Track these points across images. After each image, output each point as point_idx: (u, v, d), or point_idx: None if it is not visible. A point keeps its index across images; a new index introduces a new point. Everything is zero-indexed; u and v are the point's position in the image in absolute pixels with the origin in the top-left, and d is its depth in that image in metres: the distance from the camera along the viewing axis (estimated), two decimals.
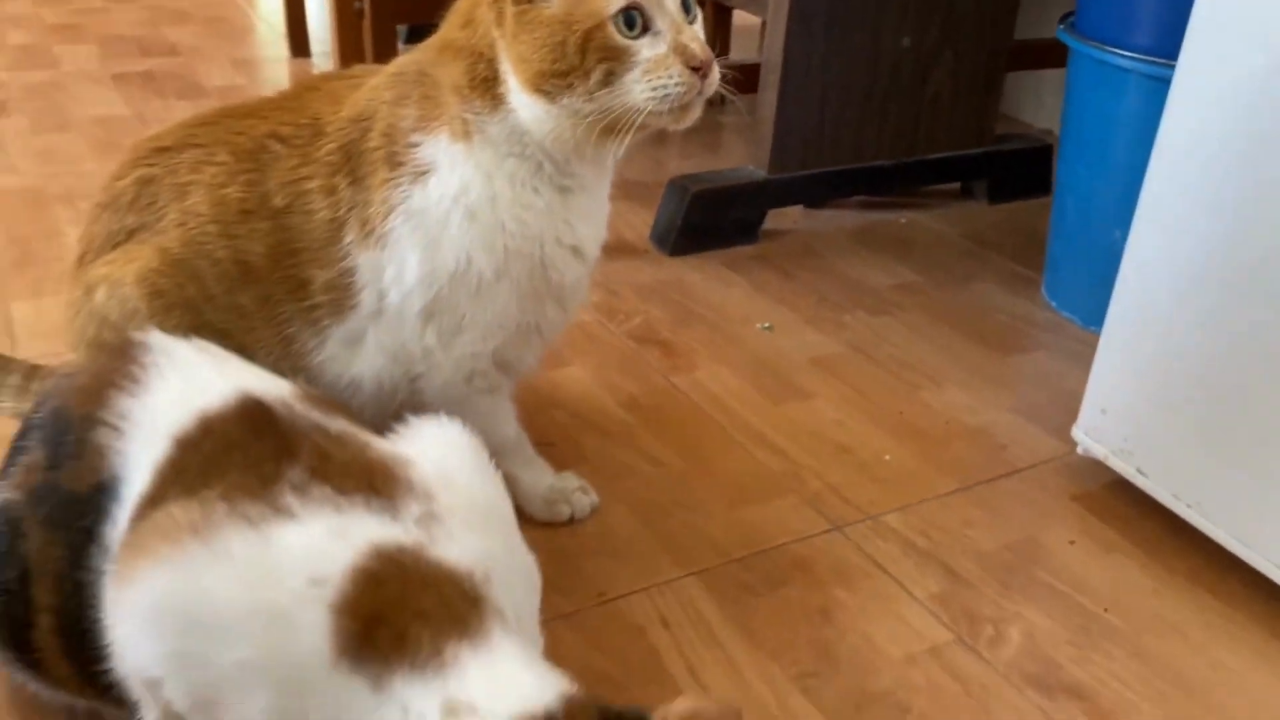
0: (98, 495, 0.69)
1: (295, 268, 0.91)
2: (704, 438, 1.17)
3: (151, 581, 0.62)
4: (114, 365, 0.73)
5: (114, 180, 0.98)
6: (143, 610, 0.62)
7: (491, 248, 0.89)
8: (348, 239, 0.90)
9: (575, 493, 1.03)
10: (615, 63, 0.82)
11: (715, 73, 0.85)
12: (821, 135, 1.64)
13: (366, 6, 1.86)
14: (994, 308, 1.49)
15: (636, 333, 1.38)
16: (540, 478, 1.02)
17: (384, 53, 1.89)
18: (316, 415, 0.71)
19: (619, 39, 0.82)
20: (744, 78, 1.67)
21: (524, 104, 0.85)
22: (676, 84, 0.82)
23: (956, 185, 1.87)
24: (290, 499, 0.64)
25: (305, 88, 0.98)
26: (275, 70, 2.35)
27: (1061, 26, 1.39)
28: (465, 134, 0.88)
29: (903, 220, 1.77)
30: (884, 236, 1.71)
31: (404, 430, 0.73)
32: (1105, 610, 0.95)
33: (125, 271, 0.92)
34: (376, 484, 0.67)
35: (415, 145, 0.89)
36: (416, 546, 0.63)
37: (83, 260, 0.98)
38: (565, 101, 0.83)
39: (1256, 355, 0.91)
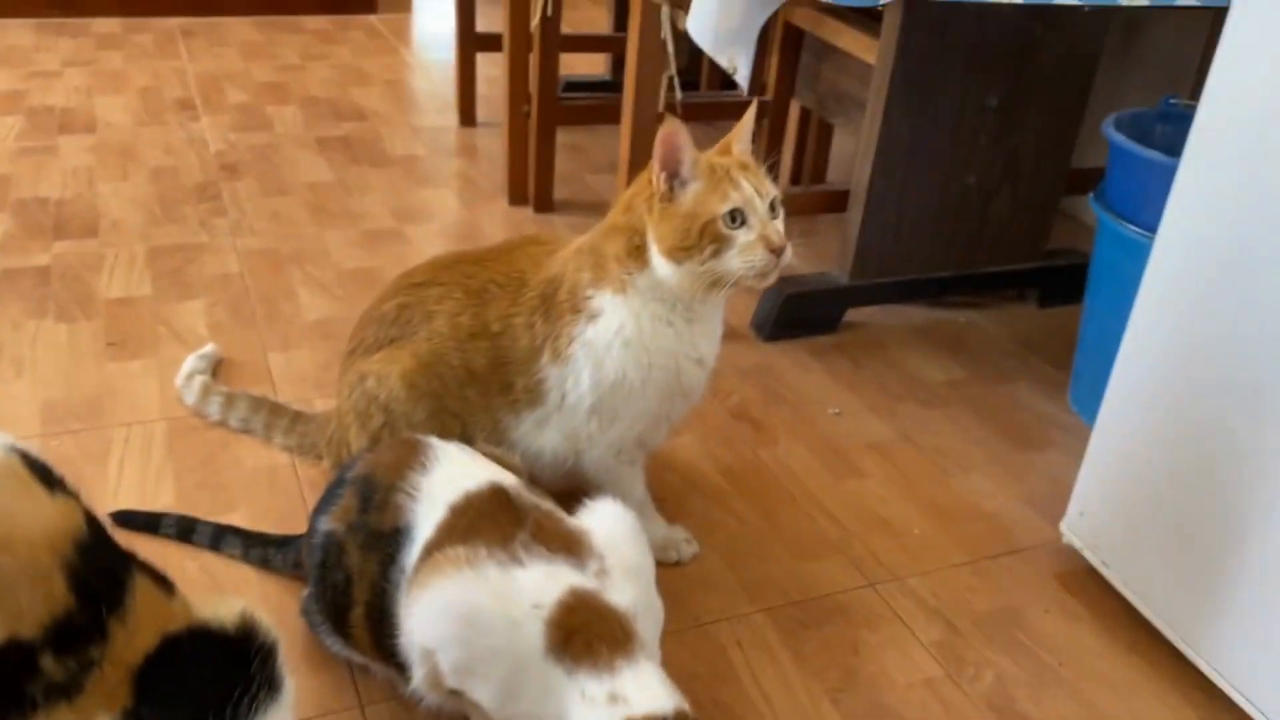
0: (397, 535, 1.11)
1: (505, 374, 1.33)
2: (779, 503, 1.56)
3: (439, 589, 1.03)
4: (409, 452, 1.16)
5: (380, 302, 1.41)
6: (432, 607, 1.03)
7: (639, 364, 1.29)
8: (543, 359, 1.31)
9: (682, 543, 1.43)
10: (720, 244, 1.22)
11: (789, 251, 1.24)
12: (896, 250, 2.01)
13: (534, 111, 2.29)
14: (1024, 407, 1.84)
15: (734, 410, 1.77)
16: (657, 529, 1.43)
17: (544, 144, 2.32)
18: (534, 498, 1.12)
19: (724, 229, 1.21)
20: (836, 201, 2.06)
21: (660, 265, 1.25)
22: (761, 260, 1.22)
23: (1011, 291, 2.21)
24: (521, 552, 1.05)
25: (514, 247, 1.40)
26: (447, 138, 2.79)
27: (1093, 195, 1.73)
28: (622, 289, 1.28)
29: (961, 320, 2.13)
30: (943, 333, 2.07)
31: (586, 509, 1.14)
32: (1060, 664, 1.31)
33: (390, 369, 1.34)
34: (570, 546, 1.07)
35: (590, 297, 1.30)
36: (596, 591, 1.04)
37: (353, 353, 1.42)
38: (687, 266, 1.23)
39: (1201, 489, 1.26)
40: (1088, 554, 1.43)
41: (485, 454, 1.23)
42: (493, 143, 2.75)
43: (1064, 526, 1.47)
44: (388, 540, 1.11)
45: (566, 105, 2.35)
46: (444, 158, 2.67)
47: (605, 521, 1.12)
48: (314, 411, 1.62)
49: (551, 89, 2.25)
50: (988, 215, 2.05)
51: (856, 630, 1.34)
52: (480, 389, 1.33)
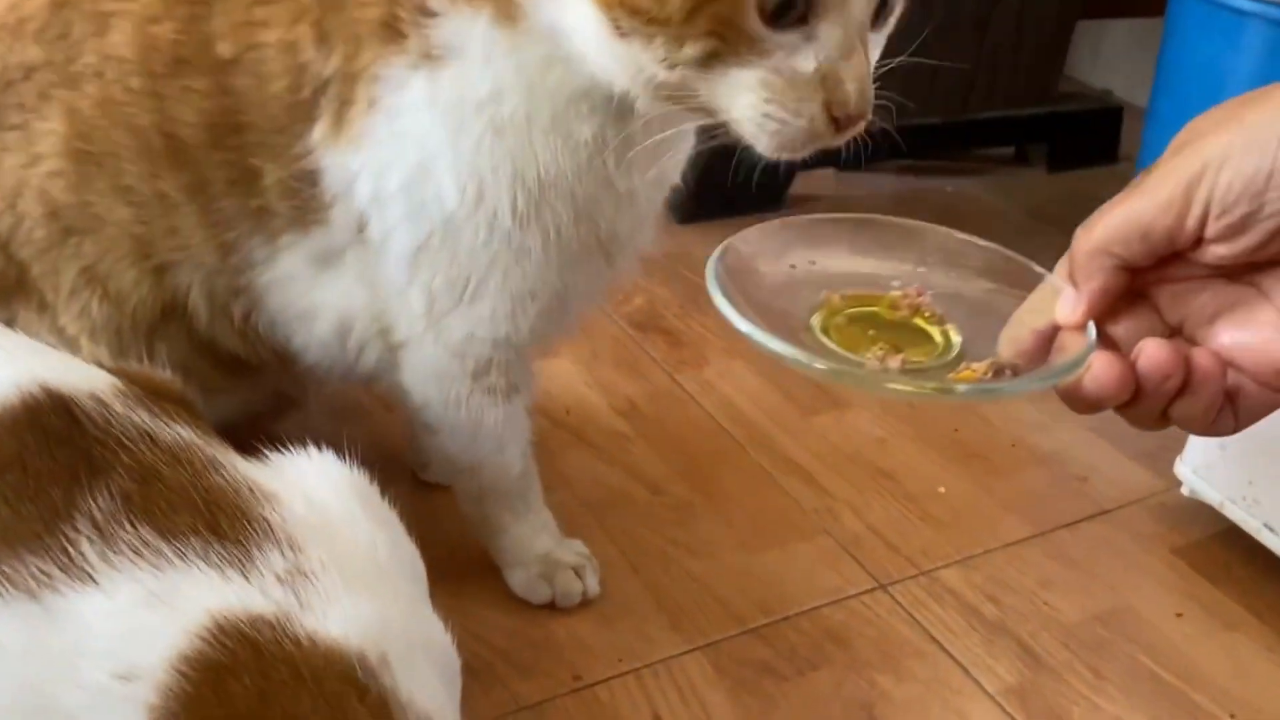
0: None
1: (241, 152, 0.66)
2: (715, 457, 0.95)
3: None
4: None
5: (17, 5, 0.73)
6: None
7: (518, 178, 0.63)
8: (316, 129, 0.65)
9: (568, 571, 0.78)
10: (729, 48, 0.54)
11: (858, 127, 0.57)
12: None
13: None
14: None
15: (637, 317, 1.16)
16: (535, 539, 0.78)
17: None
18: (143, 417, 0.49)
19: (752, 21, 0.53)
20: None
21: (582, 20, 0.57)
22: (798, 122, 0.55)
23: (1009, 149, 1.64)
24: (87, 547, 0.43)
25: None
26: None
27: None
28: (512, 17, 0.61)
29: (949, 188, 1.54)
30: (928, 207, 1.48)
31: (272, 460, 0.52)
32: (1231, 717, 0.73)
33: (28, 175, 0.68)
34: (221, 523, 0.46)
35: (433, 15, 0.62)
36: (280, 618, 0.43)
37: None
38: (636, 49, 0.55)
39: None
40: (1234, 511, 0.85)
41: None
42: None
43: (1185, 469, 0.89)
44: None
45: None
46: None
47: (309, 480, 0.51)
48: None
49: None
50: (985, 37, 1.45)
51: (867, 674, 0.74)
52: (190, 180, 0.67)
